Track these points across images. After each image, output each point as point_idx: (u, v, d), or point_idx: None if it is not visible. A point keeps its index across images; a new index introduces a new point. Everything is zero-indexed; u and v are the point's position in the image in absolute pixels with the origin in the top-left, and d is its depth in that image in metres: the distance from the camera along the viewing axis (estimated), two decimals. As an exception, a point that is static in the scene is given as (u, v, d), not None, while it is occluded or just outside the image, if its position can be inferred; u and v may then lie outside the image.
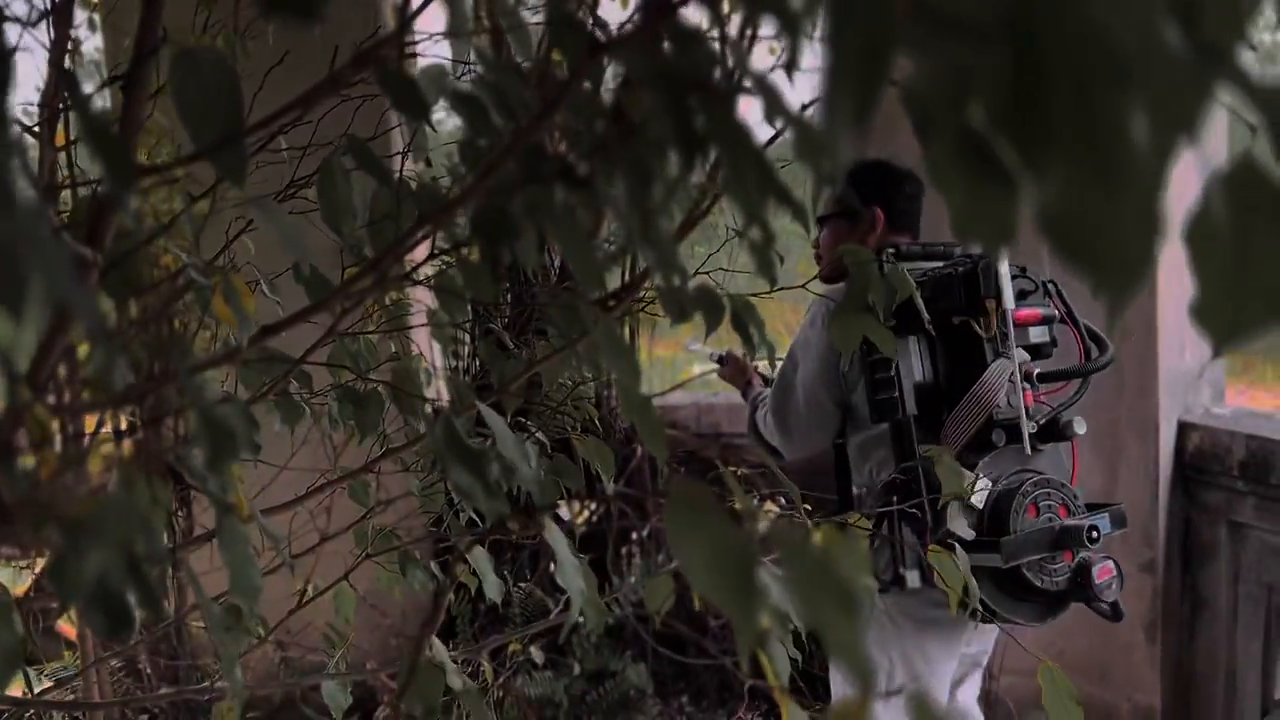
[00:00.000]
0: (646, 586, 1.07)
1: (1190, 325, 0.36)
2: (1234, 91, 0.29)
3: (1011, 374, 1.71)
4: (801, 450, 2.02)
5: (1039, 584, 1.66)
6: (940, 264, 1.85)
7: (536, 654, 2.23)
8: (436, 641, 0.67)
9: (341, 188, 0.79)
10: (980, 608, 1.67)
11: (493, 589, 0.98)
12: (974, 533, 1.67)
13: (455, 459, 0.62)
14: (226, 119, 0.57)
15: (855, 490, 1.93)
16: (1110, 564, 1.68)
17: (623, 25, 0.56)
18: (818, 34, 0.36)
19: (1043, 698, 0.87)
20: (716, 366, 2.42)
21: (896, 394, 1.76)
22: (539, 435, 1.16)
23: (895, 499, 1.72)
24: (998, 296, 1.70)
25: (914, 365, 1.78)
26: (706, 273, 1.77)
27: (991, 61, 0.29)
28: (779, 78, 0.48)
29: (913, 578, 1.70)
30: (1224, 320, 0.33)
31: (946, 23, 0.29)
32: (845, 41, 0.31)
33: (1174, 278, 2.55)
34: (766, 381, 2.31)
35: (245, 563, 0.55)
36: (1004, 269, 1.71)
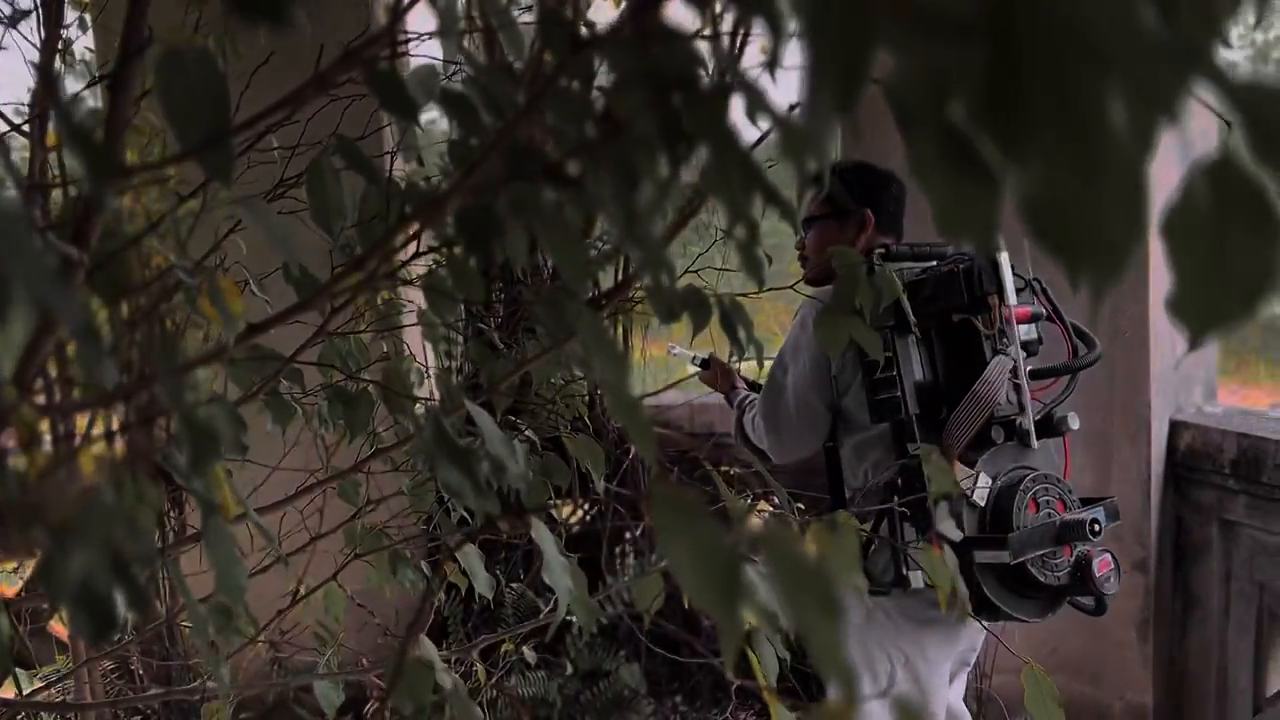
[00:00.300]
0: (637, 586, 1.07)
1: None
2: (1210, 87, 0.30)
3: (1013, 370, 1.71)
4: (792, 454, 2.01)
5: (1042, 579, 1.66)
6: (934, 263, 1.85)
7: (529, 654, 2.23)
8: (426, 640, 0.67)
9: (331, 187, 0.79)
10: (985, 605, 1.68)
11: (484, 586, 0.98)
12: (962, 533, 1.67)
13: (445, 457, 0.62)
14: (213, 118, 0.57)
15: (848, 493, 1.93)
16: (1108, 557, 1.69)
17: (612, 25, 0.56)
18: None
19: (1025, 699, 0.87)
20: (699, 369, 2.41)
21: (898, 393, 1.75)
22: (528, 434, 1.16)
23: (896, 499, 1.72)
24: (1000, 292, 1.71)
25: (914, 364, 1.79)
26: (696, 271, 1.78)
27: (971, 54, 0.29)
28: (767, 77, 0.48)
29: (916, 578, 1.70)
30: (1200, 312, 0.34)
31: (926, 18, 0.29)
32: (824, 37, 0.31)
33: (1166, 276, 2.55)
34: (750, 385, 2.31)
35: (230, 562, 0.55)
36: (1005, 265, 1.71)
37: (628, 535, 3.27)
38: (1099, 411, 2.65)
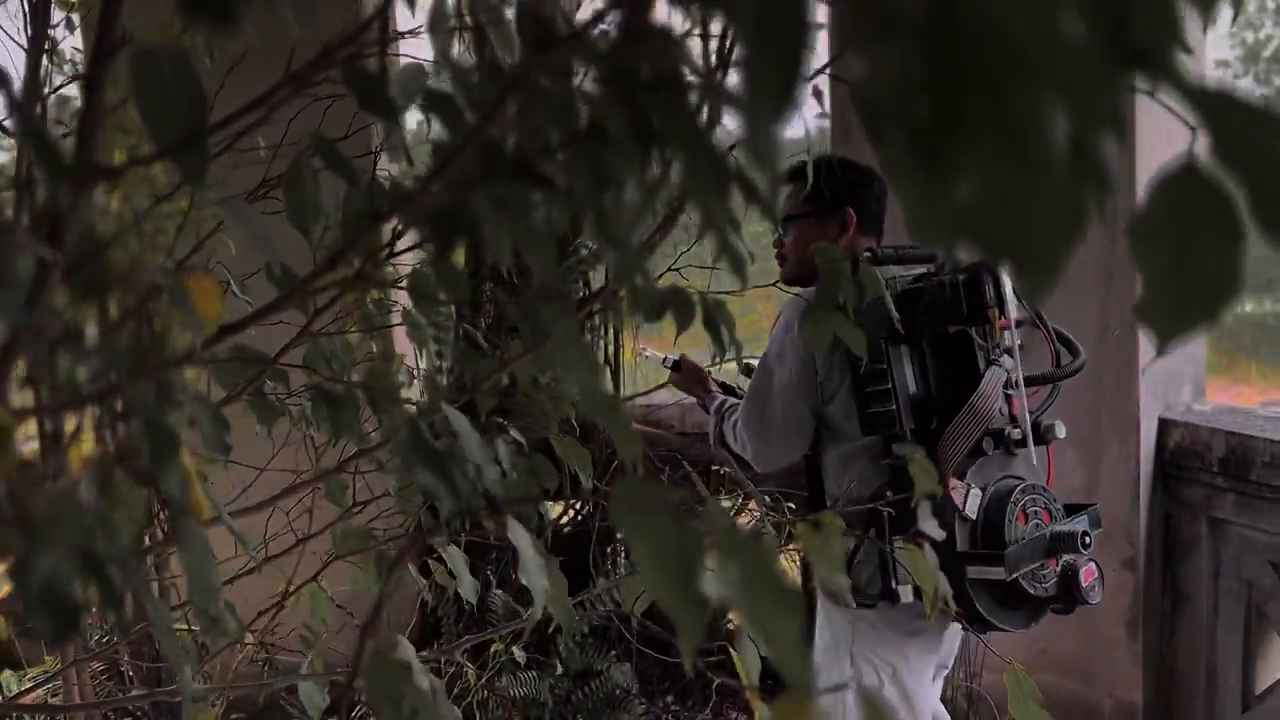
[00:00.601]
0: (623, 586, 1.07)
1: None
2: (1170, 92, 0.30)
3: (1008, 381, 1.70)
4: (777, 462, 1.98)
5: (1031, 591, 1.66)
6: (924, 269, 1.83)
7: (518, 654, 2.22)
8: (404, 641, 0.67)
9: (309, 188, 0.79)
10: (975, 618, 1.67)
11: (468, 590, 0.97)
12: (945, 534, 1.67)
13: (420, 459, 0.62)
14: (188, 118, 0.57)
15: (829, 502, 1.91)
16: (1093, 566, 1.69)
17: (584, 23, 0.55)
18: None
19: (1009, 701, 0.87)
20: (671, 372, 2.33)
21: (893, 407, 1.72)
22: (514, 434, 1.16)
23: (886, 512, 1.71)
24: (1000, 304, 1.68)
25: (907, 377, 1.77)
26: (677, 269, 1.76)
27: (918, 58, 0.29)
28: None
29: (906, 592, 1.68)
30: (1166, 317, 0.34)
31: (883, 19, 0.29)
32: (761, 39, 0.31)
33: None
34: (723, 387, 2.24)
35: (203, 564, 0.54)
36: (1006, 276, 1.69)
37: (618, 535, 3.27)
38: (1088, 410, 2.65)
